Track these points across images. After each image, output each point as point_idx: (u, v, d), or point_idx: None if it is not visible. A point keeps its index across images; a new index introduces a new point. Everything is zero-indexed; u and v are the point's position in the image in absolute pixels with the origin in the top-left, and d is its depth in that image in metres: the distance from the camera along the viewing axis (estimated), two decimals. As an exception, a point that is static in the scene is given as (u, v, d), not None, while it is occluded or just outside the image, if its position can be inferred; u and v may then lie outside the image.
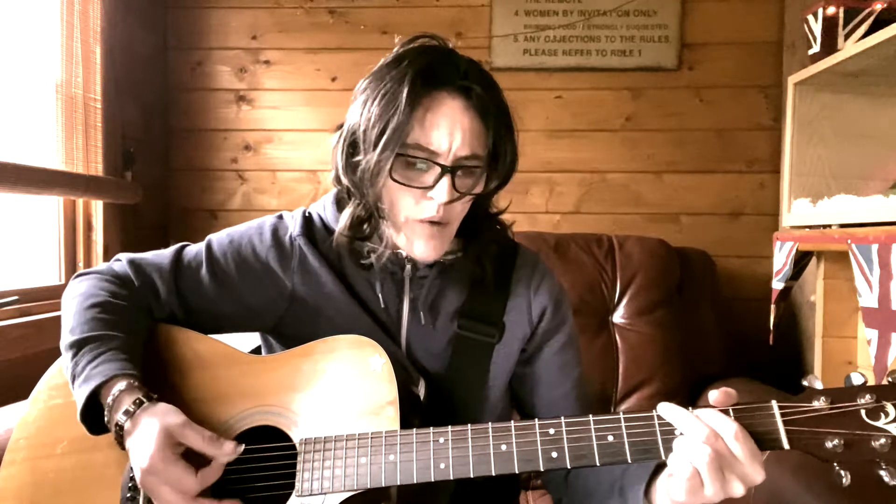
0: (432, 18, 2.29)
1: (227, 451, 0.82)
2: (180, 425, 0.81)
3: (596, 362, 1.85)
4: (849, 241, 1.38)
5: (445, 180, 0.87)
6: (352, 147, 0.92)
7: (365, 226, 0.95)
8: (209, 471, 0.81)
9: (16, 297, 1.63)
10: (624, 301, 1.92)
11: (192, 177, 2.38)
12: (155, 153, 2.31)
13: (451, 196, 0.88)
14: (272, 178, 2.37)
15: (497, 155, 0.92)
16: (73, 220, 1.96)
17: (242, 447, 0.84)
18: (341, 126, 0.95)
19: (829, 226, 1.53)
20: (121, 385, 0.83)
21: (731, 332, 2.06)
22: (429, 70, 0.87)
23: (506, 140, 0.92)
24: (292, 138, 2.36)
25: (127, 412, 0.82)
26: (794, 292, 2.08)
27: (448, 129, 0.87)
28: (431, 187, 0.88)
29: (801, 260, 1.69)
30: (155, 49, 2.31)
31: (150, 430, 0.80)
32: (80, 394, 0.85)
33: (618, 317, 1.92)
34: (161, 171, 2.35)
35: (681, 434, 0.74)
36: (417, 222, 0.91)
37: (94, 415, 0.85)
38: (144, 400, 0.83)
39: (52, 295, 1.82)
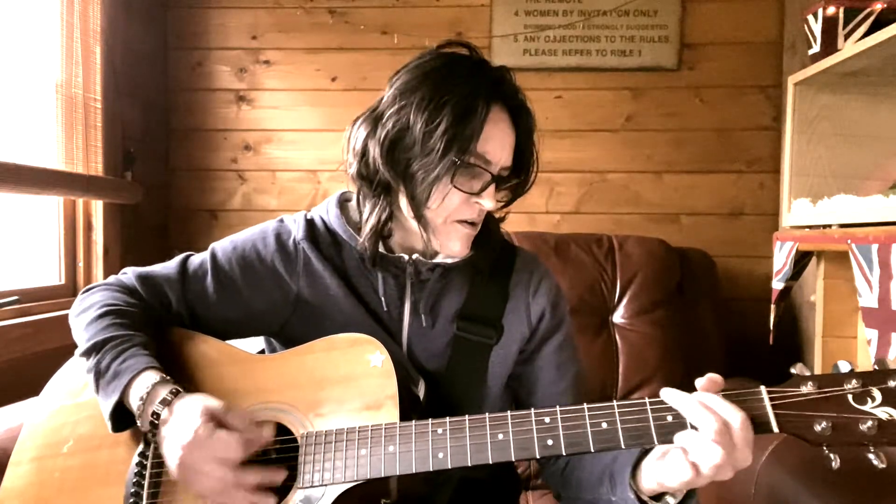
0: (432, 18, 2.30)
1: (265, 435, 0.84)
2: (222, 407, 0.83)
3: (596, 362, 1.85)
4: (849, 241, 1.38)
5: (492, 188, 0.94)
6: (395, 143, 0.92)
7: (389, 225, 0.97)
8: (251, 444, 0.82)
9: (16, 297, 1.63)
10: (624, 301, 1.92)
11: (192, 177, 2.38)
12: (155, 153, 2.31)
13: (495, 203, 0.95)
14: (272, 178, 2.37)
15: (524, 161, 0.99)
16: (73, 220, 1.96)
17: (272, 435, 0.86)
18: (378, 119, 0.94)
19: (829, 226, 1.53)
20: (154, 378, 0.86)
21: (731, 332, 2.06)
22: (498, 86, 0.94)
23: (532, 148, 1.00)
24: (292, 138, 2.36)
25: (164, 401, 0.84)
26: (794, 292, 2.08)
27: (502, 142, 0.94)
28: (478, 193, 0.93)
29: (801, 260, 1.69)
30: (155, 49, 2.31)
31: (191, 410, 0.82)
32: (109, 391, 0.87)
33: (618, 317, 1.92)
34: (161, 171, 2.35)
35: (672, 419, 0.76)
36: (457, 223, 0.95)
37: (122, 411, 0.87)
38: (181, 389, 0.86)
39: (52, 295, 1.82)
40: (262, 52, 2.35)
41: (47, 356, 1.59)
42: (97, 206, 1.98)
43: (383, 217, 0.95)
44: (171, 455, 0.81)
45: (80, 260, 1.96)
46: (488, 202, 0.93)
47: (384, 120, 0.93)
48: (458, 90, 0.90)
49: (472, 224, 0.96)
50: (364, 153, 0.95)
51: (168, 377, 0.87)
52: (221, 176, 2.38)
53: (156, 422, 0.84)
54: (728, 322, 2.06)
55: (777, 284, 1.76)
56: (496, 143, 0.93)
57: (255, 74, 2.36)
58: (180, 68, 2.37)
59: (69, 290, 1.93)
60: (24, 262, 1.84)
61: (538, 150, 1.00)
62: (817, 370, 1.69)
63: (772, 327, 1.80)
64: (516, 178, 0.99)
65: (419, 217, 0.94)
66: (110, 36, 1.99)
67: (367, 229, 0.96)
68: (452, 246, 0.96)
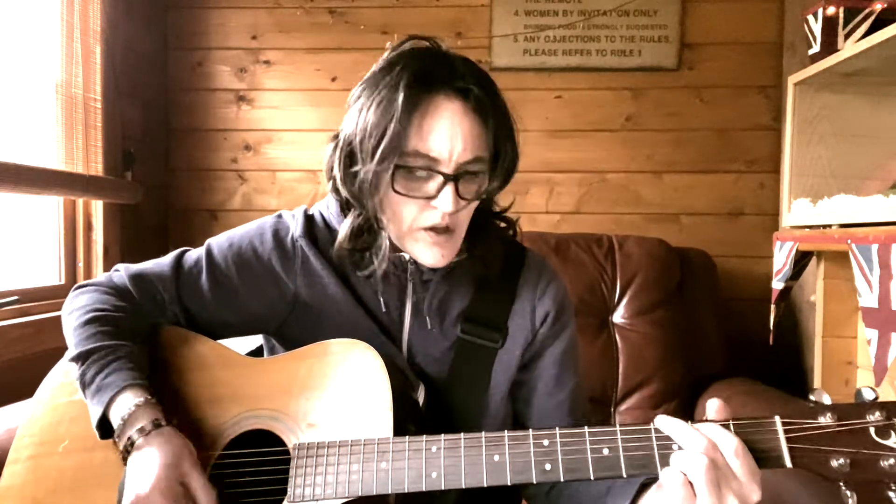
0: (432, 18, 2.29)
1: None
2: (190, 466, 0.80)
3: (596, 362, 1.85)
4: (849, 241, 1.38)
5: (449, 188, 0.84)
6: (349, 157, 0.88)
7: (365, 236, 0.91)
8: None
9: (16, 297, 1.63)
10: (624, 301, 1.92)
11: (192, 177, 2.38)
12: (155, 153, 2.31)
13: (456, 205, 0.84)
14: (272, 178, 2.37)
15: (498, 155, 0.88)
16: (73, 220, 1.96)
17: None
18: (336, 136, 0.91)
19: (829, 226, 1.53)
20: (134, 399, 0.83)
21: (731, 332, 2.06)
22: (423, 73, 0.83)
23: (506, 139, 0.88)
24: (292, 138, 2.36)
25: (142, 430, 0.81)
26: (794, 292, 2.08)
27: (448, 133, 0.83)
28: (434, 196, 0.84)
29: (801, 260, 1.69)
30: (155, 49, 2.31)
31: (159, 457, 0.79)
32: (95, 406, 0.85)
33: (618, 317, 1.92)
34: (161, 171, 2.35)
35: (678, 448, 0.71)
36: (422, 230, 0.87)
37: (107, 424, 0.85)
38: (163, 423, 0.82)
39: (52, 295, 1.82)
40: (262, 52, 2.35)
41: (47, 356, 1.59)
42: (97, 206, 1.98)
43: (357, 226, 0.90)
44: (129, 489, 0.79)
45: (80, 260, 1.96)
46: (445, 204, 0.83)
47: (338, 137, 0.90)
48: (386, 87, 0.82)
49: (443, 231, 0.87)
50: (330, 172, 0.91)
51: (152, 397, 0.84)
52: (221, 176, 2.38)
53: (129, 448, 0.82)
54: (728, 322, 2.06)
55: (777, 284, 1.75)
56: (441, 136, 0.82)
57: (255, 74, 2.36)
58: (180, 68, 2.37)
59: (69, 290, 1.92)
60: (24, 262, 1.84)
61: (518, 130, 0.90)
62: (818, 370, 1.69)
63: (772, 327, 1.80)
64: (486, 171, 0.88)
65: (382, 229, 0.89)
66: (110, 36, 1.99)
67: (337, 241, 0.92)
68: (424, 257, 0.89)
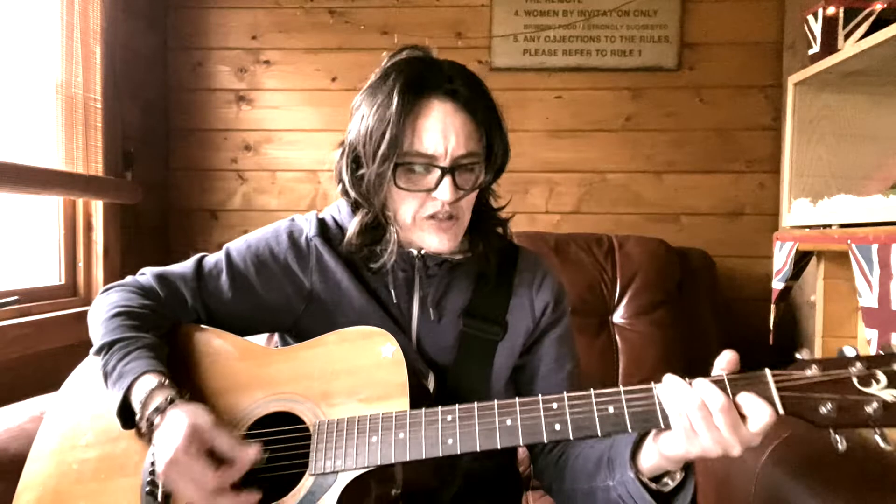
0: (432, 18, 2.30)
1: (250, 456, 0.84)
2: (209, 425, 0.84)
3: (596, 362, 1.85)
4: (849, 241, 1.38)
5: (447, 180, 0.92)
6: (355, 162, 0.98)
7: (373, 231, 0.99)
8: (230, 472, 0.83)
9: (16, 297, 1.63)
10: (624, 301, 1.92)
11: (192, 177, 2.38)
12: (155, 153, 2.31)
13: (454, 195, 0.93)
14: (272, 178, 2.37)
15: (491, 149, 0.97)
16: (73, 220, 1.96)
17: (265, 455, 0.86)
18: (342, 143, 1.00)
19: (829, 226, 1.53)
20: (151, 383, 0.88)
21: (731, 332, 2.06)
22: (414, 79, 0.93)
23: (496, 134, 0.98)
24: (292, 138, 2.36)
25: (158, 409, 0.86)
26: (794, 292, 2.08)
27: (441, 132, 0.92)
28: (434, 188, 0.93)
29: (801, 260, 1.69)
30: (155, 49, 2.31)
31: (178, 424, 0.83)
32: (115, 392, 0.90)
33: (618, 317, 1.92)
34: (161, 171, 2.35)
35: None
36: (426, 220, 0.96)
37: (128, 410, 0.89)
38: (176, 398, 0.87)
39: (52, 295, 1.82)
40: (262, 52, 2.35)
41: (47, 356, 1.59)
42: (97, 206, 1.98)
43: (365, 223, 0.98)
44: (158, 464, 0.83)
45: (80, 260, 1.96)
46: (444, 194, 0.92)
47: (344, 144, 0.99)
48: (382, 95, 0.92)
49: (446, 218, 0.95)
50: (339, 176, 1.01)
51: (167, 381, 0.88)
52: (221, 176, 2.38)
53: (151, 429, 0.86)
54: (728, 322, 2.06)
55: (777, 284, 1.76)
56: (435, 134, 0.92)
57: (255, 74, 2.36)
58: (180, 68, 2.37)
59: (69, 290, 1.92)
60: (24, 262, 1.84)
61: (506, 126, 0.99)
62: (817, 370, 1.69)
63: (772, 327, 1.80)
64: (480, 163, 0.97)
65: (390, 224, 0.97)
66: (110, 36, 1.99)
67: (346, 238, 1.01)
68: (431, 243, 0.97)
